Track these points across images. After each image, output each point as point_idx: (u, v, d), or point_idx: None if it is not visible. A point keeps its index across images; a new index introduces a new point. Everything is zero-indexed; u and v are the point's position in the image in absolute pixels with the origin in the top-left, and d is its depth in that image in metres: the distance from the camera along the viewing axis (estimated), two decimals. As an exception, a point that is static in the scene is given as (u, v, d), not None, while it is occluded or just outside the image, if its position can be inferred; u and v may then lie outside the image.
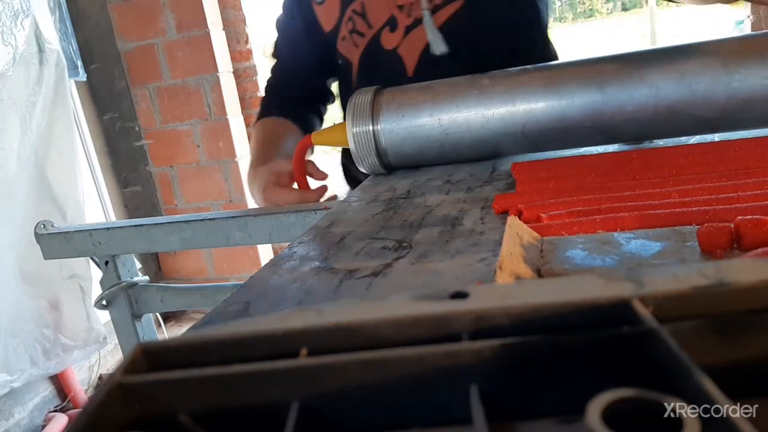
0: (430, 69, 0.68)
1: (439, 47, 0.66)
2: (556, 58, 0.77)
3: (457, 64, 0.64)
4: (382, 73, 0.61)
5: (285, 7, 0.81)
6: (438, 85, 0.58)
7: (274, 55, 0.86)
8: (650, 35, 10.22)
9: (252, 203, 2.36)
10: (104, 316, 1.79)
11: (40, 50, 1.67)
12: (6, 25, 1.58)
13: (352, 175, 0.88)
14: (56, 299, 1.71)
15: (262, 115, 0.83)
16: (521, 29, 0.72)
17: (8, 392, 1.67)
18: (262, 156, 0.75)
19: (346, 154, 0.88)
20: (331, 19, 0.72)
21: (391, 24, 0.68)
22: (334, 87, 0.87)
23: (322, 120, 0.88)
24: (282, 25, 0.83)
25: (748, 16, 1.94)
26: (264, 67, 2.24)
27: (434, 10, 0.66)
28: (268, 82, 0.87)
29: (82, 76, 2.05)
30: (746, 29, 2.74)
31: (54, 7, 1.79)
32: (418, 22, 0.67)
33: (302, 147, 0.67)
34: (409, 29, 0.67)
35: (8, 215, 1.57)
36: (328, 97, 0.87)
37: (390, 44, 0.69)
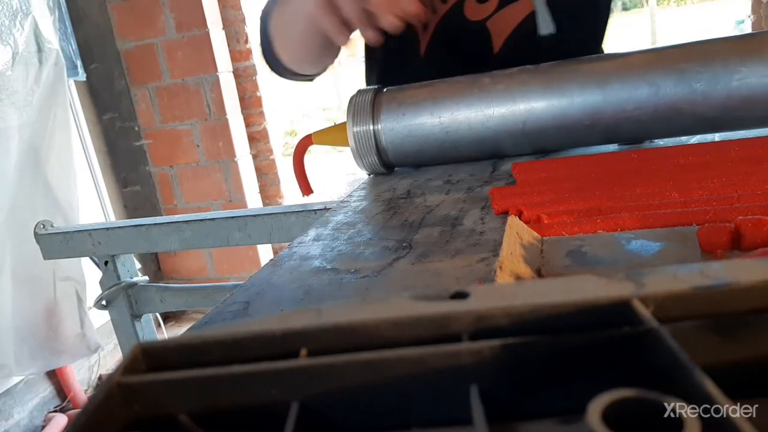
0: (521, 49, 0.61)
1: (547, 27, 0.57)
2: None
3: (549, 45, 0.57)
4: (460, 46, 0.55)
5: None
6: (438, 84, 0.58)
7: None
8: (650, 35, 10.22)
9: (252, 203, 2.37)
10: (99, 320, 1.78)
11: (40, 50, 1.67)
12: (5, 25, 1.58)
13: None
14: (49, 301, 1.69)
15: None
16: (600, 9, 0.67)
17: (7, 392, 1.67)
18: None
19: None
20: None
21: None
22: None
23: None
24: None
25: (749, 16, 1.94)
26: (264, 66, 2.24)
27: None
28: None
29: (82, 76, 2.05)
30: (746, 29, 2.74)
31: (53, 6, 1.79)
32: None
33: (302, 146, 0.66)
34: (504, 2, 0.61)
35: (3, 214, 1.57)
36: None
37: (476, 15, 0.62)
